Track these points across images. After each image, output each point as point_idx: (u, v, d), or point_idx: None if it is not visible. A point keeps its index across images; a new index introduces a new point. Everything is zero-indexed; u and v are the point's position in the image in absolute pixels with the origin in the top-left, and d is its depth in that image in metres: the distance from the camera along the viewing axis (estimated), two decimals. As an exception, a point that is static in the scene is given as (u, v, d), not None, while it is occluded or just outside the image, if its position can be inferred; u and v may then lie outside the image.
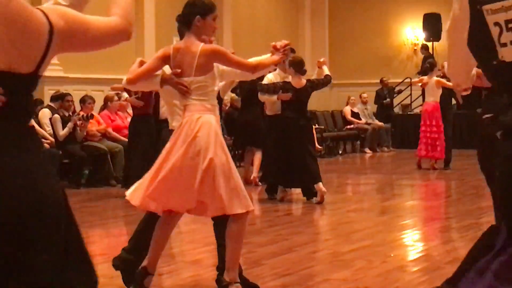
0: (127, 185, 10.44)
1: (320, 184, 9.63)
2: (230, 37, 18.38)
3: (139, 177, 5.09)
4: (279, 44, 5.21)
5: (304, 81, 9.69)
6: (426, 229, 8.04)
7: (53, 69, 13.64)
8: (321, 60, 10.09)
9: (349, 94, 19.51)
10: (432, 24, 19.68)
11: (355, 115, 19.18)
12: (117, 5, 2.68)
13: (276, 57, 5.19)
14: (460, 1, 2.65)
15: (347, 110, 19.26)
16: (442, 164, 13.92)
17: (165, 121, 11.17)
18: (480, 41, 2.57)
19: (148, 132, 10.36)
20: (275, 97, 9.79)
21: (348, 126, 18.95)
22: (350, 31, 21.83)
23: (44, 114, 12.15)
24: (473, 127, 18.49)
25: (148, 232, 5.16)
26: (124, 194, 10.69)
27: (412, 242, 7.37)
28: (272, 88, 9.71)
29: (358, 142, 19.06)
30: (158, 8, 16.22)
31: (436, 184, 12.55)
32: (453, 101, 19.16)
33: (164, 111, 11.33)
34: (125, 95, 10.70)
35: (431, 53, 19.80)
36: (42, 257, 2.38)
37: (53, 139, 11.86)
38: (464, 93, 14.33)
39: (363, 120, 19.07)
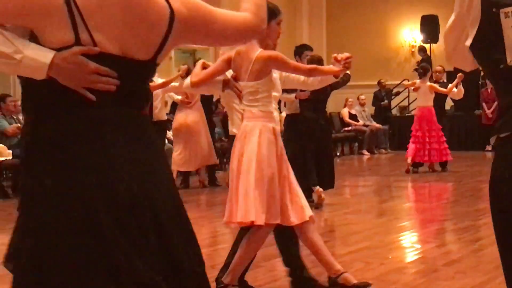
0: None
1: (320, 189, 9.51)
2: (228, 39, 18.37)
3: None
4: (340, 56, 5.11)
5: None
6: (424, 231, 8.04)
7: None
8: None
9: (346, 96, 19.50)
10: (430, 26, 19.69)
11: (352, 117, 19.19)
12: (248, 0, 2.53)
13: (335, 68, 5.11)
14: (467, 3, 2.58)
15: (345, 112, 19.27)
16: (439, 167, 13.92)
17: (157, 123, 10.94)
18: (487, 44, 2.53)
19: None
20: (293, 95, 9.35)
21: (346, 128, 18.95)
22: (347, 33, 21.83)
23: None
24: (470, 129, 18.52)
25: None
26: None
27: (410, 244, 7.37)
28: None
29: (356, 144, 19.06)
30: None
31: (433, 186, 12.54)
32: (450, 103, 19.19)
33: (157, 113, 11.23)
34: None
35: (429, 55, 19.82)
36: (188, 244, 2.35)
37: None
38: (457, 98, 14.18)
39: (361, 122, 19.08)
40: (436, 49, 19.96)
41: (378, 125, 19.13)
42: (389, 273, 5.93)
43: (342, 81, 9.38)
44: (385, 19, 21.62)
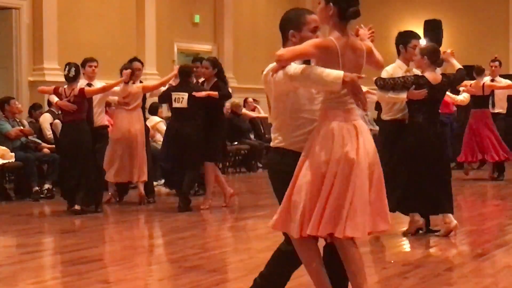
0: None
1: (450, 216, 7.47)
2: (231, 42, 18.37)
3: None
4: (362, 31, 4.79)
5: (440, 76, 7.52)
6: (426, 236, 8.02)
7: (54, 73, 13.63)
8: (449, 51, 7.90)
9: (349, 100, 19.47)
10: (433, 31, 19.63)
11: (355, 121, 19.16)
12: None
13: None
14: None
15: (348, 116, 19.23)
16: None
17: (97, 128, 10.26)
18: None
19: (85, 139, 9.68)
20: (404, 95, 7.45)
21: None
22: (350, 37, 21.85)
23: (45, 118, 12.13)
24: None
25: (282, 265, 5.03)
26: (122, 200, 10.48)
27: (412, 249, 7.36)
28: (400, 84, 7.39)
29: (358, 148, 19.00)
30: (159, 10, 16.20)
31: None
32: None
33: (96, 118, 10.16)
34: (55, 98, 10.10)
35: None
36: None
37: (53, 145, 11.83)
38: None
39: (364, 126, 19.07)
40: (439, 53, 19.96)
41: (381, 130, 19.09)
42: (391, 277, 5.93)
43: (459, 78, 7.87)
44: (388, 24, 21.60)
